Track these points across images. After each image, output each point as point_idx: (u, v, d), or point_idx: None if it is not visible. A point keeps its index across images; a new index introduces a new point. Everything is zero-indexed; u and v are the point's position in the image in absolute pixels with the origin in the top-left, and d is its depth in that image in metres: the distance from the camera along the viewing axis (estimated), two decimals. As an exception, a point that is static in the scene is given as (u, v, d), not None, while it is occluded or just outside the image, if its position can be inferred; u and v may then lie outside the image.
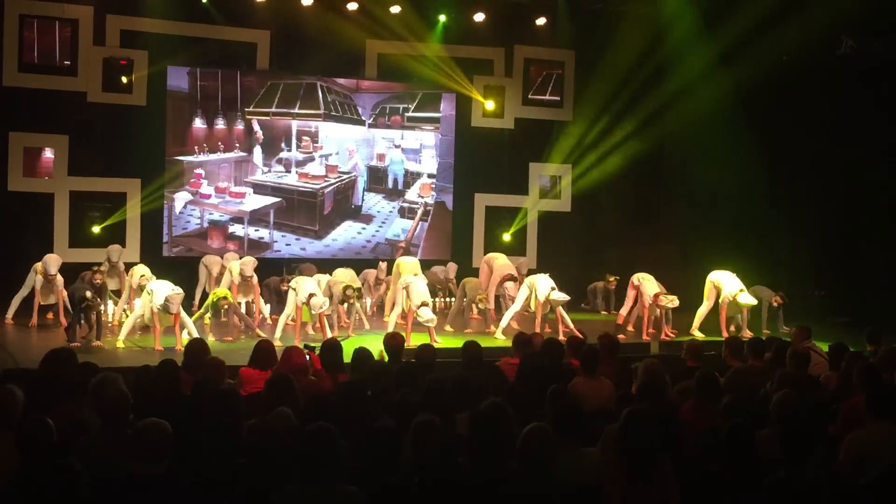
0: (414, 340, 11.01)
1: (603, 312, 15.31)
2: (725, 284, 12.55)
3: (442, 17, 16.14)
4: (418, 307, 11.46)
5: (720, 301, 12.56)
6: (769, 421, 5.42)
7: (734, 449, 4.69)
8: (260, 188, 15.77)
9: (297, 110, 15.91)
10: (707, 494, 4.67)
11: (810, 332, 9.00)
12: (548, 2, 16.22)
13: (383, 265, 14.25)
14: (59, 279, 12.30)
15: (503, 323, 12.49)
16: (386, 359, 7.73)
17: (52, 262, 12.37)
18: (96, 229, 14.47)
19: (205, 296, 12.91)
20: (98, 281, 11.61)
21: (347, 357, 7.50)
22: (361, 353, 7.29)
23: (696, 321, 12.78)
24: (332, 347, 7.48)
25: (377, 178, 16.67)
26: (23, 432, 4.51)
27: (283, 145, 15.94)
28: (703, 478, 4.77)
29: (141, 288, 11.60)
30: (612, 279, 15.26)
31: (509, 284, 12.71)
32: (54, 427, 4.59)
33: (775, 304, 13.50)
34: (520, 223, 16.81)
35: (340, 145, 16.33)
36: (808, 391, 6.42)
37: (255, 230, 15.63)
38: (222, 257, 13.72)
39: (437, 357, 7.36)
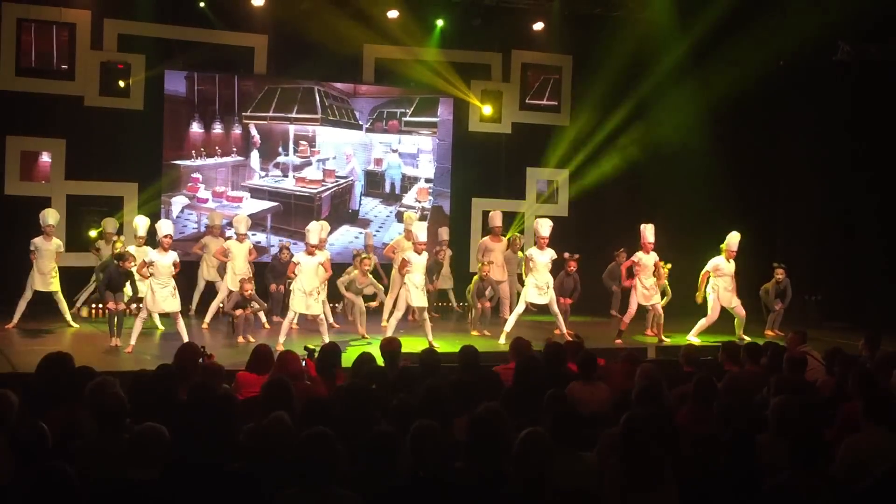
0: (413, 345, 11.04)
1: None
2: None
3: (439, 22, 16.16)
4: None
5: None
6: (766, 426, 5.42)
7: (735, 455, 4.69)
8: (257, 192, 15.77)
9: (294, 115, 15.91)
10: (704, 499, 4.67)
11: (805, 336, 9.02)
12: (545, 7, 16.24)
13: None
14: (56, 242, 12.39)
15: (507, 327, 12.42)
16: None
17: (50, 214, 12.43)
18: (93, 233, 14.45)
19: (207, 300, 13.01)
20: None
21: (346, 362, 7.51)
22: (361, 358, 7.29)
23: (697, 329, 12.84)
24: (331, 352, 7.48)
25: (374, 183, 16.67)
26: (16, 436, 4.50)
27: (280, 150, 15.94)
28: (701, 482, 4.77)
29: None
30: (621, 252, 15.29)
31: None
32: (49, 431, 4.58)
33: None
34: (517, 228, 16.80)
35: (338, 150, 16.34)
36: (804, 396, 6.42)
37: (253, 234, 15.59)
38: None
39: (441, 362, 7.36)
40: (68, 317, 12.56)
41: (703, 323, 12.85)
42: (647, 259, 12.77)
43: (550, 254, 12.54)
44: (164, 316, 12.03)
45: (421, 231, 12.02)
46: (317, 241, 11.57)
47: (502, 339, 12.04)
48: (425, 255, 11.99)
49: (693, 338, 12.60)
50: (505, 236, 14.25)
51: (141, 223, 12.39)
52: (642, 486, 4.48)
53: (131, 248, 12.20)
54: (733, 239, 12.96)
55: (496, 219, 13.84)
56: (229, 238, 13.33)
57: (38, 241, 12.38)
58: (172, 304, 11.25)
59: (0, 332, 11.91)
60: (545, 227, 12.53)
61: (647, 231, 12.82)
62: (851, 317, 14.30)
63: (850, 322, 14.04)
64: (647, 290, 12.74)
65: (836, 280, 15.41)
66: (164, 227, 11.59)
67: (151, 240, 12.23)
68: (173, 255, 11.37)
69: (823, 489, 4.58)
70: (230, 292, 12.65)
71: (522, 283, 12.96)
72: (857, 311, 14.47)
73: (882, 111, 14.84)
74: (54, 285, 12.44)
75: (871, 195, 15.24)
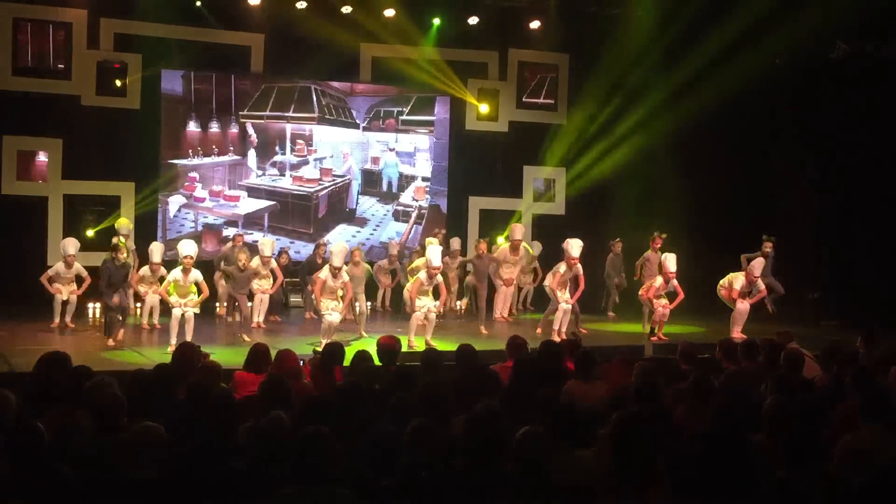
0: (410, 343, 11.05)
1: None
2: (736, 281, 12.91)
3: (436, 21, 16.16)
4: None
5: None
6: (762, 425, 5.43)
7: (728, 453, 4.70)
8: (254, 191, 15.77)
9: (291, 114, 15.92)
10: (701, 497, 4.68)
11: (791, 335, 9.03)
12: (541, 5, 16.25)
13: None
14: (77, 266, 12.41)
15: (556, 325, 12.47)
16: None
17: (71, 243, 12.45)
18: (90, 233, 14.45)
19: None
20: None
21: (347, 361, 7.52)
22: (358, 356, 7.29)
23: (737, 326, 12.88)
24: (333, 351, 7.47)
25: (371, 182, 16.68)
26: (12, 436, 4.49)
27: (277, 149, 15.94)
28: (697, 481, 4.78)
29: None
30: (615, 242, 15.32)
31: None
32: (47, 431, 4.57)
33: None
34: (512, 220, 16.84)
35: (335, 148, 16.34)
36: (801, 394, 6.42)
37: (250, 234, 15.60)
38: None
39: (442, 361, 7.36)
40: (69, 317, 12.56)
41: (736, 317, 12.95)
42: (664, 285, 12.76)
43: (577, 270, 12.60)
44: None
45: (435, 256, 11.87)
46: (340, 263, 11.54)
47: (556, 338, 11.89)
48: (438, 278, 11.98)
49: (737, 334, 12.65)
50: (503, 235, 14.31)
51: (156, 249, 12.37)
52: (634, 484, 4.49)
53: (144, 270, 12.26)
54: (758, 264, 12.91)
55: (517, 232, 13.82)
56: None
57: (59, 267, 12.39)
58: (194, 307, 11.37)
59: (44, 332, 12.04)
60: (576, 248, 12.55)
61: (669, 261, 12.63)
62: (848, 314, 14.31)
63: (847, 320, 14.06)
64: (662, 306, 12.77)
65: (834, 278, 15.42)
66: (185, 248, 11.49)
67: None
68: (196, 275, 11.39)
69: (820, 487, 4.59)
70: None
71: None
72: (854, 308, 14.48)
73: (879, 109, 14.84)
74: (73, 286, 12.53)
75: (868, 193, 15.25)
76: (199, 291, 11.54)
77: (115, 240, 12.37)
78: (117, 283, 11.40)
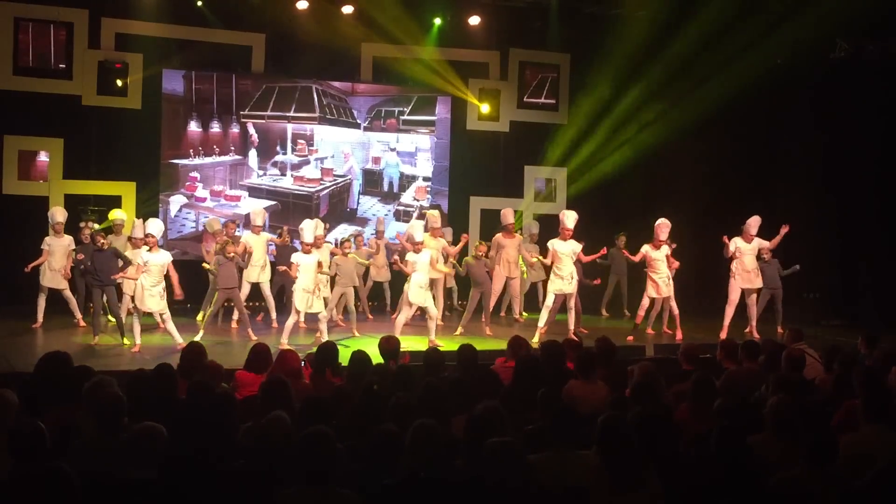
0: (414, 343, 11.01)
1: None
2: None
3: (437, 21, 16.16)
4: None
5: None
6: (765, 425, 5.42)
7: (724, 452, 4.69)
8: (255, 191, 15.77)
9: (292, 113, 15.92)
10: (702, 498, 4.67)
11: (802, 334, 9.02)
12: (543, 5, 16.24)
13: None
14: (68, 238, 12.47)
15: (541, 323, 12.48)
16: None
17: (59, 212, 12.59)
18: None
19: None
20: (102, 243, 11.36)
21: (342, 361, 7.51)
22: (357, 357, 7.28)
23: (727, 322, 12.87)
24: (326, 350, 7.47)
25: (372, 182, 16.67)
26: (13, 436, 4.49)
27: (278, 148, 15.94)
28: (698, 481, 4.77)
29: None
30: (620, 237, 15.26)
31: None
32: (47, 431, 4.57)
33: None
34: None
35: (336, 148, 16.33)
36: (802, 394, 6.42)
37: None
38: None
39: (444, 360, 7.35)
40: (78, 314, 12.56)
41: (728, 312, 12.90)
42: (656, 254, 12.77)
43: (573, 245, 12.49)
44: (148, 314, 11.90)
45: (417, 231, 11.88)
46: (311, 239, 11.53)
47: (535, 338, 11.82)
48: (426, 252, 11.87)
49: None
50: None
51: (138, 224, 12.27)
52: (625, 486, 4.49)
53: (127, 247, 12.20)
54: (753, 221, 13.02)
55: (508, 216, 13.74)
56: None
57: (49, 239, 12.47)
58: (158, 304, 10.91)
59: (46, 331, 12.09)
60: (571, 220, 12.51)
61: (661, 229, 12.77)
62: (848, 315, 14.31)
63: (846, 320, 14.06)
64: (656, 283, 12.72)
65: (833, 278, 15.41)
66: (150, 227, 11.13)
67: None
68: (167, 255, 11.13)
69: (830, 486, 4.58)
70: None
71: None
72: (853, 308, 14.48)
73: (879, 109, 14.85)
74: (65, 282, 12.49)
75: (867, 193, 15.25)
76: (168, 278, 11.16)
77: (94, 225, 12.38)
78: (104, 271, 11.14)
